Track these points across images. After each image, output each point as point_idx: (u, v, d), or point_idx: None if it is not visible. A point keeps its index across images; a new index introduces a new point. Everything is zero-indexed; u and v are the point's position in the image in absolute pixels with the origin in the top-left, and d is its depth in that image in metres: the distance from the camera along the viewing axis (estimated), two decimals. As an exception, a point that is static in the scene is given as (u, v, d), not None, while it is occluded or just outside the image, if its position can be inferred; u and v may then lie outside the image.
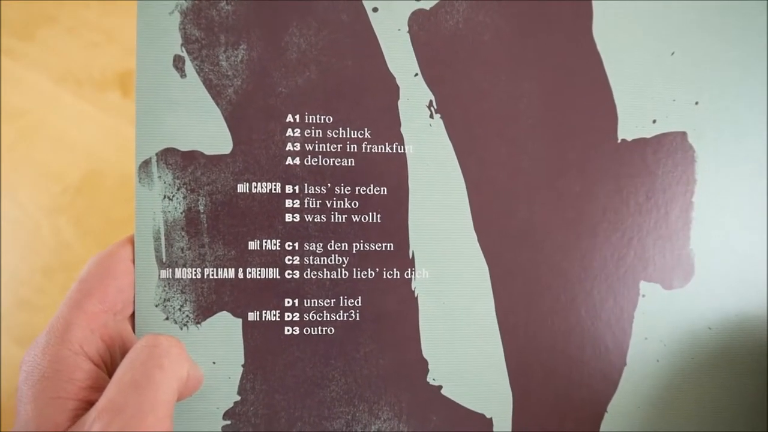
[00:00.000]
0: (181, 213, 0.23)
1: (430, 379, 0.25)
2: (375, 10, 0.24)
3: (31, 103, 0.45)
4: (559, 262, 0.25)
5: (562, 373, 0.25)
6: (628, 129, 0.26)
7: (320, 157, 0.24)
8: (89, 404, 0.20)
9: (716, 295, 0.26)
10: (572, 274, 0.25)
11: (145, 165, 0.23)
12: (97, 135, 0.44)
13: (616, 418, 0.26)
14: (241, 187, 0.24)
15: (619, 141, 0.26)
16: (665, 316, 0.26)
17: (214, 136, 0.24)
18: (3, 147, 0.46)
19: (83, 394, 0.20)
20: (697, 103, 0.26)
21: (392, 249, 0.24)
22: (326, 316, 0.24)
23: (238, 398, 0.24)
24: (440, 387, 0.25)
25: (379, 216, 0.24)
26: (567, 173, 0.25)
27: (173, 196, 0.23)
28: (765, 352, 0.26)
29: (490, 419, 0.25)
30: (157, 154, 0.23)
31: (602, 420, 0.26)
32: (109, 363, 0.22)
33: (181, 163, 0.23)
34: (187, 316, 0.23)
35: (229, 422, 0.24)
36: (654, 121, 0.26)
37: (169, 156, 0.23)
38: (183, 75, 0.23)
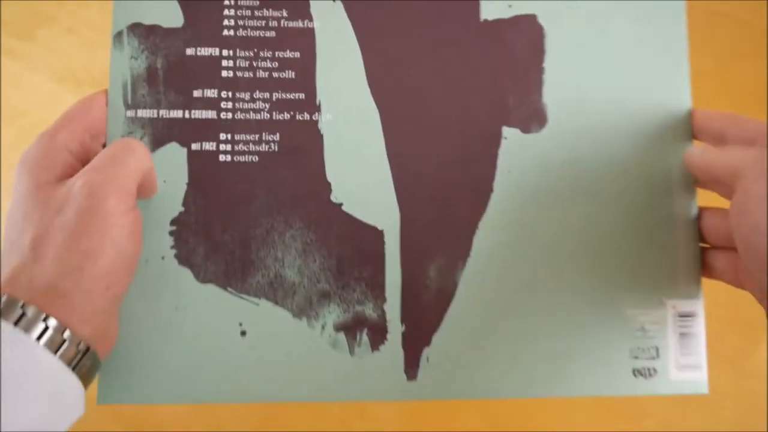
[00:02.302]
0: (144, 69, 0.31)
1: (333, 197, 0.31)
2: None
3: (31, 103, 0.46)
4: (437, 110, 0.32)
5: (440, 195, 0.32)
6: (489, 11, 0.33)
7: (249, 30, 0.32)
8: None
9: (568, 139, 0.33)
10: (448, 120, 0.32)
11: (118, 35, 0.32)
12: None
13: (486, 233, 0.32)
14: (189, 51, 0.32)
15: (482, 21, 0.33)
16: (525, 153, 0.32)
17: (170, 15, 0.32)
18: (3, 147, 0.48)
19: (67, 172, 0.28)
20: None
21: (303, 98, 0.32)
22: (252, 147, 0.31)
23: (182, 209, 0.31)
24: (341, 204, 0.31)
25: (293, 73, 0.32)
26: (445, 44, 0.33)
27: (138, 56, 0.31)
28: (613, 184, 0.32)
29: (382, 231, 0.31)
30: (127, 27, 0.32)
31: (474, 235, 0.32)
32: (85, 163, 0.29)
33: (145, 33, 0.32)
34: (145, 144, 0.31)
35: (174, 228, 0.31)
36: (510, 6, 0.33)
37: (136, 28, 0.32)
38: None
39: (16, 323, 0.24)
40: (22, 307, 0.24)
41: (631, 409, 0.45)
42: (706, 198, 0.33)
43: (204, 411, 0.47)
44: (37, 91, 0.46)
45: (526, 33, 0.33)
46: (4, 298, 0.24)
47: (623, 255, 0.32)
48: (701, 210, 0.33)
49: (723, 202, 0.32)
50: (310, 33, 0.32)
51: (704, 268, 0.33)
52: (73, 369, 0.25)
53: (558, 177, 0.32)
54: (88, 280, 0.25)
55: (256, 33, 0.32)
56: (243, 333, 0.30)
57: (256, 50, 0.32)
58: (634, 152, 0.33)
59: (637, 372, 0.32)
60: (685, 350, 0.32)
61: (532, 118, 0.33)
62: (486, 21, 0.33)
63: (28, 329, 0.24)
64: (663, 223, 0.32)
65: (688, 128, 0.33)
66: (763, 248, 0.25)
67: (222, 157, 0.31)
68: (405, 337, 0.31)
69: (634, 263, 0.32)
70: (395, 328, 0.31)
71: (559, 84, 0.33)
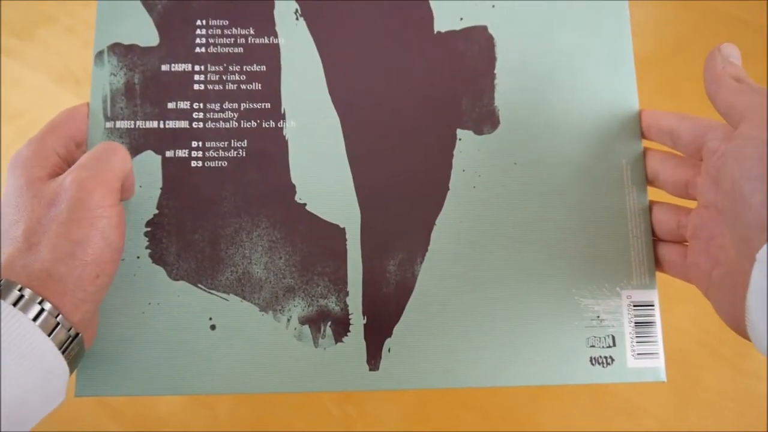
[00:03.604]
0: (122, 84, 0.34)
1: (297, 198, 0.33)
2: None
3: (31, 103, 0.46)
4: (394, 115, 0.34)
5: (398, 194, 0.34)
6: (442, 24, 0.36)
7: (219, 47, 0.35)
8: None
9: (519, 139, 0.34)
10: (405, 124, 0.34)
11: (99, 54, 0.34)
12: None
13: (443, 229, 0.33)
14: (164, 67, 0.34)
15: (435, 33, 0.35)
16: (478, 154, 0.34)
17: (147, 34, 0.35)
18: (3, 147, 0.48)
19: (55, 171, 0.30)
20: (493, 6, 0.36)
21: (269, 107, 0.34)
22: (221, 153, 0.34)
23: (156, 211, 0.33)
24: (305, 204, 0.33)
25: (260, 85, 0.34)
26: (402, 54, 0.35)
27: (117, 73, 0.34)
28: (566, 181, 0.34)
29: (344, 228, 0.33)
30: (108, 47, 0.34)
31: (432, 231, 0.33)
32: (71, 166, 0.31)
33: (124, 52, 0.34)
34: (122, 153, 0.33)
35: (149, 229, 0.33)
36: (461, 19, 0.36)
37: (116, 47, 0.34)
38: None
39: (14, 304, 0.26)
40: (20, 290, 0.26)
41: (631, 408, 0.45)
42: (655, 194, 0.34)
43: (203, 411, 0.47)
44: (36, 91, 0.46)
45: (478, 42, 0.35)
46: (3, 281, 0.26)
47: (578, 248, 0.33)
48: (651, 204, 0.34)
49: (671, 198, 0.34)
50: (275, 48, 0.35)
51: (655, 262, 0.34)
52: (63, 353, 0.27)
53: (511, 175, 0.34)
54: (80, 266, 0.27)
55: (226, 49, 0.35)
56: (213, 327, 0.32)
57: (225, 65, 0.34)
58: (585, 151, 0.34)
59: (594, 360, 0.33)
60: (641, 338, 0.33)
61: (485, 121, 0.35)
62: (439, 33, 0.35)
63: (25, 310, 0.26)
64: (616, 217, 0.34)
65: (637, 127, 0.35)
66: (752, 199, 0.24)
67: (194, 163, 0.33)
68: (367, 329, 0.32)
69: (588, 256, 0.33)
70: (357, 320, 0.32)
71: (510, 88, 0.35)
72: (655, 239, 0.34)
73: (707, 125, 0.31)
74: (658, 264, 0.34)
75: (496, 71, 0.35)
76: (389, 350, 0.32)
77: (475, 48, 0.35)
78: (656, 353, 0.33)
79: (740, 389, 0.44)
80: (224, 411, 0.48)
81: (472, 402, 0.46)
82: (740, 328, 0.27)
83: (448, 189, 0.34)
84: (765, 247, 0.23)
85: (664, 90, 0.50)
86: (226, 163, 0.34)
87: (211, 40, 0.35)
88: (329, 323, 0.32)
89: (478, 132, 0.34)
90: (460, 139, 0.34)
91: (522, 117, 0.35)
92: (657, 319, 0.33)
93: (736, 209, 0.26)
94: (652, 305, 0.33)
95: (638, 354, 0.33)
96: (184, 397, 0.48)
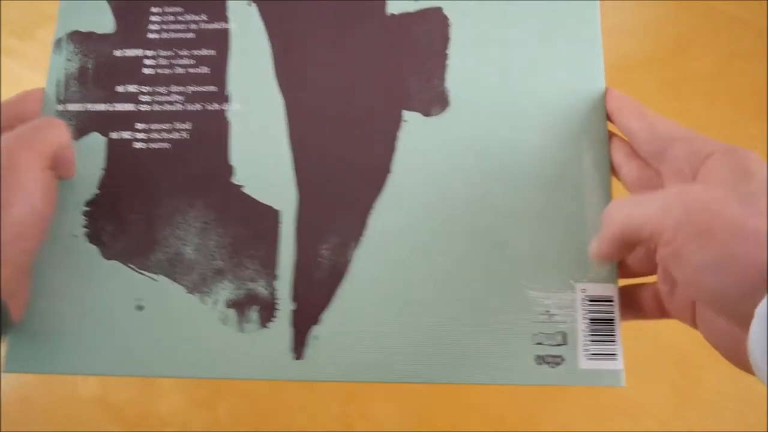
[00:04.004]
0: (76, 69, 0.35)
1: (234, 180, 0.33)
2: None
3: None
4: (340, 97, 0.33)
5: (338, 176, 0.32)
6: (395, 6, 0.34)
7: (171, 32, 0.35)
8: None
9: (470, 122, 0.32)
10: (350, 106, 0.33)
11: (58, 41, 0.35)
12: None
13: (382, 213, 0.32)
14: (117, 53, 0.35)
15: (388, 15, 0.34)
16: (424, 136, 0.32)
17: (104, 22, 0.35)
18: None
19: None
20: None
21: (215, 90, 0.34)
22: (165, 135, 0.33)
23: (98, 192, 0.33)
24: (242, 186, 0.32)
25: (208, 69, 0.34)
26: (351, 38, 0.34)
27: (72, 59, 0.35)
28: (510, 165, 0.32)
29: (278, 211, 0.32)
30: (66, 34, 0.35)
31: (369, 215, 0.32)
32: None
33: (81, 39, 0.35)
34: (71, 134, 0.34)
35: (88, 209, 0.33)
36: (416, 0, 0.34)
37: (74, 35, 0.35)
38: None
39: None
40: None
41: (631, 408, 0.45)
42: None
43: (203, 411, 0.47)
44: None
45: (431, 23, 0.34)
46: None
47: (529, 235, 0.31)
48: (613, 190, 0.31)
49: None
50: (225, 33, 0.35)
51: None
52: None
53: (459, 159, 0.32)
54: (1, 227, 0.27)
55: (178, 35, 0.35)
56: (140, 308, 0.31)
57: (175, 50, 0.35)
58: (542, 134, 0.32)
59: (541, 359, 0.29)
60: (596, 337, 0.29)
61: (434, 102, 0.33)
62: (392, 15, 0.34)
63: None
64: (572, 204, 0.31)
65: (601, 110, 0.32)
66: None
67: (137, 145, 0.33)
68: (294, 315, 0.31)
69: (540, 244, 0.31)
70: (285, 305, 0.31)
71: (463, 69, 0.33)
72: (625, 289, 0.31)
73: (668, 137, 0.28)
74: (627, 310, 0.30)
75: (448, 51, 0.33)
76: (316, 338, 0.30)
77: (429, 28, 0.34)
78: (614, 354, 0.29)
79: (740, 389, 0.44)
80: (224, 411, 0.47)
81: (472, 402, 0.46)
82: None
83: (390, 171, 0.32)
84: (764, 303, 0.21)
85: (664, 90, 0.48)
86: (169, 145, 0.33)
87: (164, 27, 0.35)
88: (255, 308, 0.31)
89: (426, 114, 0.33)
90: (406, 121, 0.33)
91: (474, 98, 0.33)
92: (616, 316, 0.30)
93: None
94: (611, 301, 0.30)
95: (592, 354, 0.29)
96: (185, 397, 0.48)
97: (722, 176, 0.24)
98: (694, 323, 0.28)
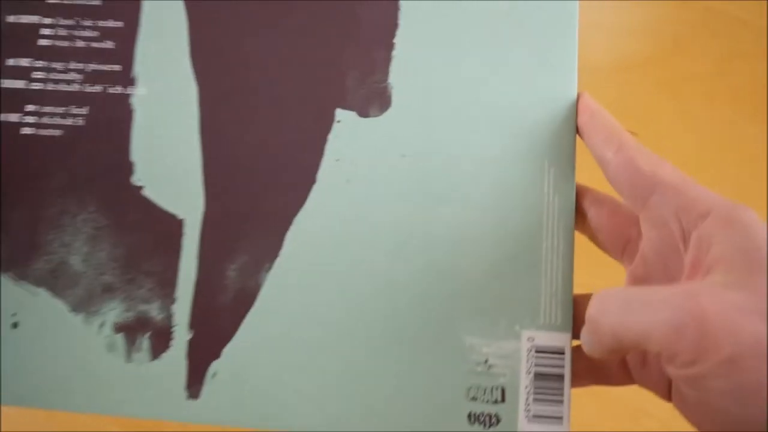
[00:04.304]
0: (-38, 35, 0.30)
1: (134, 179, 0.28)
2: None
3: None
4: (264, 88, 0.28)
5: (253, 184, 0.27)
6: (338, -19, 0.29)
7: (74, -2, 0.30)
8: None
9: (413, 127, 0.27)
10: (274, 99, 0.28)
11: (-56, 1, 0.30)
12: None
13: (302, 230, 0.27)
14: (11, 18, 0.30)
15: (329, -8, 0.29)
16: (359, 140, 0.27)
17: (-3, -19, 0.30)
18: None
19: None
20: None
21: (120, 69, 0.29)
22: (57, 120, 0.28)
23: (-24, 183, 0.28)
24: (142, 187, 0.28)
25: (113, 43, 0.29)
26: (285, 17, 0.29)
27: (-42, 22, 0.30)
28: (456, 182, 0.27)
29: (182, 220, 0.27)
30: (-47, -7, 0.30)
31: (287, 232, 0.27)
32: None
33: (-31, -1, 0.30)
34: (-51, 113, 0.29)
35: (-35, 202, 0.28)
36: (363, -25, 0.29)
37: (-38, -6, 0.30)
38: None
39: None
40: None
41: (631, 409, 0.45)
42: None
43: None
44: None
45: (378, 7, 0.28)
46: None
47: (471, 267, 0.26)
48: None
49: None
50: (136, 3, 0.29)
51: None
52: None
53: (396, 168, 0.27)
54: None
55: (82, 1, 0.29)
56: (15, 325, 0.27)
57: (78, 19, 0.29)
58: (497, 146, 0.27)
59: (474, 417, 0.25)
60: (540, 395, 0.25)
61: (373, 100, 0.28)
62: (334, -7, 0.29)
63: None
64: (527, 233, 0.26)
65: (570, 122, 0.27)
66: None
67: (24, 130, 0.28)
68: (191, 345, 0.26)
69: (483, 279, 0.26)
70: (181, 334, 0.26)
71: (411, 64, 0.28)
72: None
73: (651, 178, 0.23)
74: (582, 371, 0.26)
75: (395, 40, 0.28)
76: (214, 375, 0.26)
77: (374, 13, 0.28)
78: (559, 417, 0.25)
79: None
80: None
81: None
82: None
83: (315, 182, 0.27)
84: None
85: (663, 90, 0.45)
86: (61, 131, 0.28)
87: (66, -9, 0.30)
88: (148, 334, 0.26)
89: (363, 114, 0.28)
90: (338, 122, 0.28)
91: (420, 98, 0.27)
92: (566, 371, 0.25)
93: None
94: (562, 353, 0.25)
95: (534, 416, 0.25)
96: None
97: (728, 262, 0.19)
98: (667, 397, 0.23)
